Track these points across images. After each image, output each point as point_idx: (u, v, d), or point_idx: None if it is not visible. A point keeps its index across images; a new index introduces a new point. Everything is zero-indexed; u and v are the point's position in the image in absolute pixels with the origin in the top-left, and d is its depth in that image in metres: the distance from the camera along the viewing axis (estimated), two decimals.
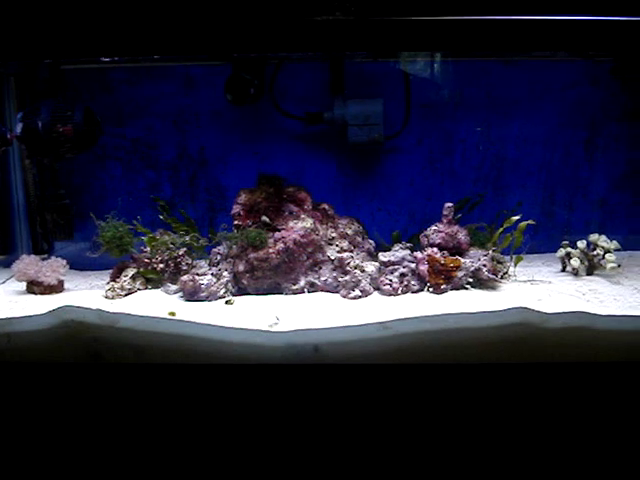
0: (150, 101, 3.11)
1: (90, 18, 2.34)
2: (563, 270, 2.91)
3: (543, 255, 3.10)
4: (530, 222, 2.70)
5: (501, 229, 2.72)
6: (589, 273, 2.83)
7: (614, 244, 2.80)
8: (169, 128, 3.14)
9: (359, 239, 2.81)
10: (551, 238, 3.06)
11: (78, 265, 2.98)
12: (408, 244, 2.73)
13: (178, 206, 3.03)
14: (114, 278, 2.73)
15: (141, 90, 3.11)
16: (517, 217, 2.69)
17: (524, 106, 3.13)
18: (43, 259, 2.83)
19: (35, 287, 2.73)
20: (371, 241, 2.86)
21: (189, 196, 3.17)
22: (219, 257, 2.74)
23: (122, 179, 3.17)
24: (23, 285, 2.79)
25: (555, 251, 2.93)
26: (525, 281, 2.71)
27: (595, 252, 2.81)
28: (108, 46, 2.45)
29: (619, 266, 2.76)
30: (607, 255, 2.77)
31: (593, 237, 2.84)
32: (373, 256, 2.78)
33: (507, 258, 2.76)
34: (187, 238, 2.75)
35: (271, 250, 2.60)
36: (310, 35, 2.35)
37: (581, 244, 2.83)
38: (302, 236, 2.61)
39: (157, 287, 2.73)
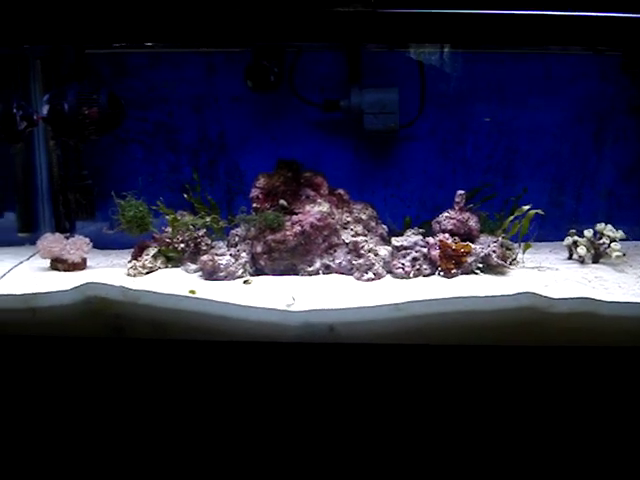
0: (172, 86, 3.16)
1: (115, 3, 2.42)
2: (570, 258, 2.96)
3: (551, 243, 3.15)
4: (538, 212, 2.75)
5: (511, 217, 2.78)
6: (595, 261, 2.88)
7: (620, 233, 2.86)
8: (190, 113, 3.19)
9: (373, 224, 2.87)
10: (559, 227, 3.09)
11: (99, 244, 3.03)
12: (420, 230, 2.80)
13: (198, 189, 3.08)
14: (136, 257, 2.79)
15: (164, 75, 3.16)
16: (527, 206, 2.74)
17: (535, 98, 3.17)
18: (66, 238, 2.89)
19: (59, 264, 2.81)
20: (384, 226, 2.92)
21: (208, 179, 3.23)
22: (237, 239, 2.81)
23: (143, 161, 3.23)
24: (47, 262, 2.85)
25: (562, 240, 2.98)
26: (533, 267, 2.77)
27: (601, 241, 2.86)
28: (131, 32, 2.52)
29: (624, 255, 2.81)
30: (613, 244, 2.82)
31: (600, 226, 2.89)
32: (386, 241, 2.83)
33: (516, 245, 2.81)
34: (208, 219, 2.82)
35: (288, 232, 2.66)
36: (329, 26, 2.41)
37: (588, 233, 2.88)
38: (318, 219, 2.68)
39: (177, 266, 2.80)
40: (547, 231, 3.08)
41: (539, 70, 3.15)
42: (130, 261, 2.79)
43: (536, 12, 2.42)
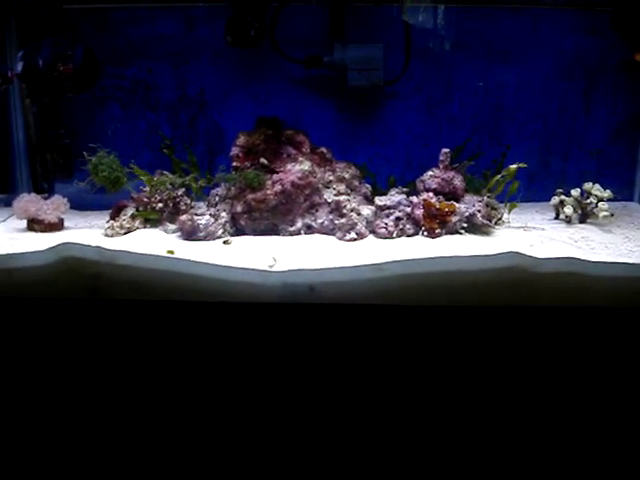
0: (150, 42, 3.10)
1: None
2: (556, 218, 2.93)
3: (537, 204, 3.11)
4: (521, 165, 2.69)
5: (497, 177, 2.73)
6: (582, 221, 2.86)
7: (608, 193, 2.82)
8: (169, 69, 3.14)
9: (356, 183, 2.82)
10: (546, 187, 3.05)
11: (78, 205, 2.99)
12: (404, 189, 2.76)
13: (177, 148, 3.01)
14: (113, 217, 2.75)
15: (141, 31, 3.09)
16: (515, 166, 2.69)
17: (523, 55, 3.12)
18: (43, 198, 2.85)
19: (36, 225, 2.76)
20: (368, 185, 2.86)
21: (188, 138, 3.18)
22: (217, 198, 2.77)
23: (121, 120, 3.17)
24: (23, 223, 2.80)
25: (550, 200, 2.95)
26: (518, 227, 2.74)
27: (589, 200, 2.83)
28: None
29: (612, 215, 2.78)
30: (600, 204, 2.79)
31: (587, 186, 2.85)
32: (369, 200, 2.79)
33: (502, 205, 2.77)
34: (187, 179, 2.77)
35: (269, 192, 2.62)
36: None
37: (575, 192, 2.84)
38: (300, 178, 2.63)
39: (156, 227, 2.75)
40: (534, 191, 3.07)
41: (527, 25, 3.09)
42: (108, 221, 2.74)
43: None
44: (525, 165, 2.71)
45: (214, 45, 3.08)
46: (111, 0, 2.94)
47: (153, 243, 2.56)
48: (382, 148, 3.22)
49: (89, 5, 3.02)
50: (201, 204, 2.80)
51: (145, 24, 3.09)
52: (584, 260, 2.13)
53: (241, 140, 2.73)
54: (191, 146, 3.07)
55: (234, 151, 2.73)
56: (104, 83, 3.06)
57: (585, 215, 2.85)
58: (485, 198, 2.70)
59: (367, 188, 2.85)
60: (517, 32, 3.10)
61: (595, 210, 2.81)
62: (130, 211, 2.75)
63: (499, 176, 2.73)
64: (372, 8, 3.06)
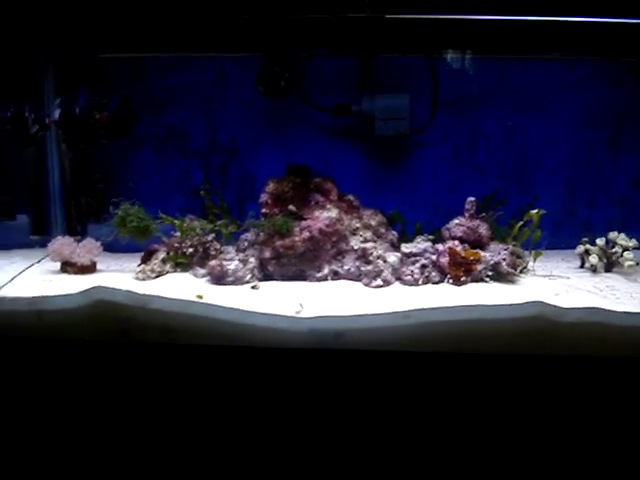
0: (184, 91, 3.18)
1: (128, 10, 2.45)
2: (582, 266, 2.92)
3: (563, 251, 3.11)
4: (541, 211, 2.69)
5: (520, 222, 2.74)
6: (607, 270, 2.84)
7: (633, 242, 2.81)
8: (202, 118, 3.20)
9: (382, 230, 2.84)
10: (572, 235, 3.04)
11: (111, 248, 3.02)
12: (430, 236, 2.77)
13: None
14: (145, 261, 2.79)
15: (176, 80, 3.17)
16: (535, 210, 2.70)
17: (548, 104, 3.16)
18: (78, 241, 2.88)
19: (69, 267, 2.80)
20: (394, 232, 2.89)
21: (219, 184, 3.23)
22: (246, 244, 2.80)
23: (154, 166, 3.24)
24: (57, 265, 2.85)
25: (575, 248, 2.93)
26: (543, 276, 2.73)
27: (614, 250, 2.82)
28: (144, 40, 2.62)
29: (637, 264, 2.77)
30: (625, 253, 2.78)
31: (612, 235, 2.85)
32: (395, 247, 2.81)
33: (527, 253, 2.77)
34: (217, 224, 2.81)
35: (297, 238, 2.65)
36: (341, 32, 2.46)
37: (600, 241, 2.84)
38: (327, 225, 2.66)
39: (186, 271, 2.78)
40: (559, 239, 3.08)
41: (553, 75, 3.13)
42: (139, 265, 2.78)
43: (549, 18, 2.44)
44: (544, 212, 2.71)
45: (245, 95, 3.14)
46: (146, 49, 3.01)
47: (183, 287, 2.58)
48: (409, 195, 3.25)
49: (124, 54, 3.10)
50: (230, 249, 2.83)
51: (179, 74, 3.17)
52: (609, 310, 2.12)
53: (270, 187, 2.77)
54: (222, 192, 3.11)
55: (263, 198, 2.77)
56: (139, 130, 3.10)
57: (610, 264, 2.85)
58: (510, 246, 2.71)
59: (393, 235, 2.88)
60: (543, 82, 3.14)
61: (620, 259, 2.80)
62: (161, 255, 2.79)
63: (522, 222, 2.75)
64: (399, 58, 3.11)
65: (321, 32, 2.45)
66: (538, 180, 3.23)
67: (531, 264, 2.76)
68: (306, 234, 2.65)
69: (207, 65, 3.17)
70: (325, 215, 2.69)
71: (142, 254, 2.86)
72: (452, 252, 2.63)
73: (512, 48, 2.74)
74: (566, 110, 3.17)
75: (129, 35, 2.64)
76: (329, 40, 2.51)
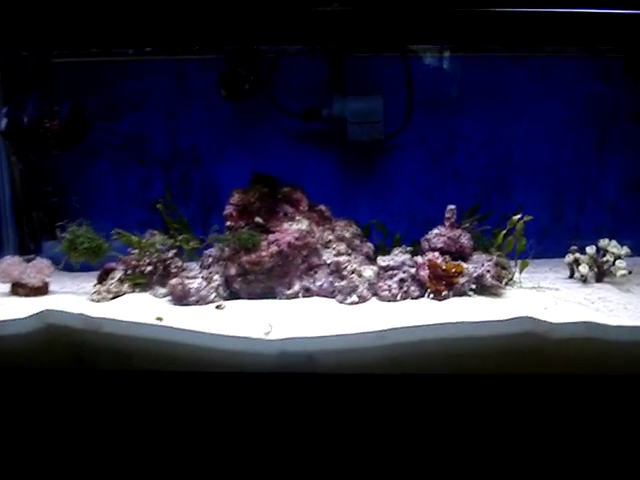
0: (142, 96, 3.03)
1: (80, 7, 2.28)
2: (571, 277, 2.80)
3: (550, 260, 2.99)
4: (527, 218, 2.56)
5: (504, 231, 2.61)
6: (598, 280, 2.73)
7: (625, 250, 2.70)
8: (161, 124, 3.05)
9: (357, 242, 2.70)
10: (559, 242, 2.96)
11: (68, 266, 2.80)
12: (408, 248, 2.63)
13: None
14: (101, 281, 2.63)
15: (132, 85, 3.02)
16: (518, 216, 2.57)
17: (532, 103, 3.04)
18: (29, 259, 2.74)
19: (19, 289, 2.64)
20: (370, 244, 2.75)
21: (181, 195, 3.09)
22: (210, 260, 2.64)
23: (112, 176, 3.08)
24: (7, 287, 2.69)
25: (563, 256, 2.82)
26: (531, 288, 2.61)
27: (605, 258, 2.71)
28: (98, 37, 2.41)
29: (630, 273, 2.66)
30: (617, 262, 2.67)
31: (603, 242, 2.74)
32: (372, 260, 2.67)
33: (512, 263, 2.65)
34: (179, 239, 2.67)
35: (264, 253, 2.50)
36: (307, 27, 2.29)
37: (590, 250, 2.72)
38: (297, 238, 2.52)
39: (145, 290, 2.63)
40: (546, 247, 2.96)
41: (536, 73, 3.01)
42: (95, 285, 2.62)
43: (532, 9, 2.28)
44: (530, 218, 2.57)
45: (208, 99, 3.00)
46: (101, 54, 2.87)
47: (142, 309, 2.43)
48: (384, 203, 3.12)
49: (78, 59, 2.96)
50: (194, 265, 2.68)
51: (136, 78, 3.02)
52: (602, 324, 2.01)
53: (235, 198, 2.62)
54: (185, 203, 3.02)
55: (228, 210, 2.63)
56: (94, 138, 2.96)
57: (601, 274, 2.73)
58: (494, 257, 2.57)
59: (369, 247, 2.74)
60: (526, 80, 3.02)
61: (612, 268, 2.68)
62: (118, 274, 2.62)
63: (505, 230, 2.62)
64: (372, 58, 2.99)
65: (286, 27, 2.30)
66: (522, 185, 3.11)
67: (517, 275, 2.64)
68: (274, 248, 2.51)
69: (166, 67, 3.02)
70: (295, 227, 2.55)
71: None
72: (432, 265, 2.49)
73: (494, 42, 2.59)
74: (552, 109, 3.05)
75: (82, 36, 2.43)
76: (295, 36, 2.38)
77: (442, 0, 2.23)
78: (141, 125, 3.06)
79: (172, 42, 2.58)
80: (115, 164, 3.09)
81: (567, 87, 3.02)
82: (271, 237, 2.53)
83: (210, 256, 2.65)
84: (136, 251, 2.65)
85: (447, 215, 2.61)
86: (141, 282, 2.62)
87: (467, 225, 2.65)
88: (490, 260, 2.55)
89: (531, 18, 2.25)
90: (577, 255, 2.76)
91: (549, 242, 2.99)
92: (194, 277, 2.52)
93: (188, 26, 2.29)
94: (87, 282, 2.79)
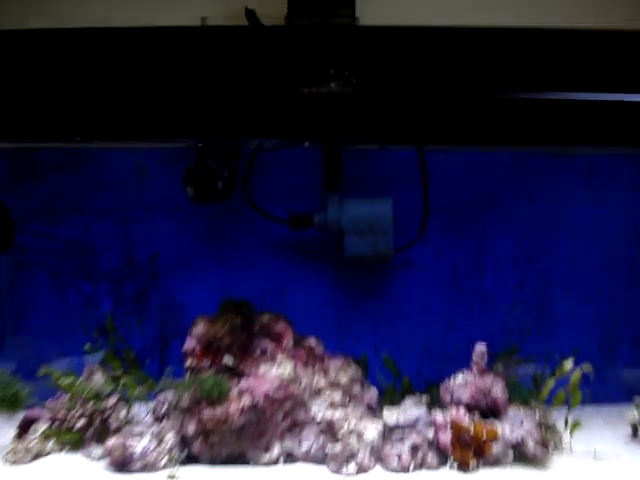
0: (90, 193, 2.63)
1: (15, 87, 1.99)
2: (634, 435, 2.28)
3: (601, 407, 2.49)
4: (587, 369, 2.11)
5: (551, 380, 2.12)
6: None
7: None
8: (112, 228, 2.63)
9: (357, 388, 2.20)
10: (612, 384, 2.55)
11: None
12: (424, 396, 2.14)
13: (120, 330, 2.44)
14: (20, 435, 2.12)
15: (78, 179, 2.62)
16: (570, 363, 2.11)
17: (576, 212, 2.65)
18: None
19: None
20: (373, 388, 2.25)
21: (135, 316, 2.62)
22: (165, 408, 2.15)
23: (50, 291, 2.64)
24: None
25: (617, 401, 2.40)
26: (584, 453, 2.09)
27: None
28: (38, 123, 2.04)
29: None
30: None
31: None
32: (375, 411, 2.18)
33: (555, 412, 2.13)
34: (122, 383, 2.16)
35: (233, 406, 2.02)
36: (296, 113, 1.94)
37: None
38: (277, 387, 2.06)
39: (77, 450, 2.11)
40: (596, 389, 2.36)
41: (579, 173, 2.64)
42: (13, 440, 2.10)
43: (577, 97, 1.97)
44: (589, 368, 2.12)
45: (171, 199, 2.63)
46: (38, 138, 2.41)
47: (68, 477, 1.96)
48: (391, 332, 2.68)
49: (10, 144, 2.58)
50: (143, 414, 2.18)
51: (83, 171, 2.64)
52: None
53: (199, 329, 2.15)
54: (138, 327, 2.59)
55: (189, 344, 2.14)
56: (28, 245, 2.60)
57: None
58: (537, 413, 2.06)
59: (372, 394, 2.24)
60: (568, 183, 2.65)
61: None
62: (42, 427, 2.12)
63: (552, 379, 2.13)
64: (377, 152, 2.60)
65: (271, 114, 1.94)
66: (564, 311, 2.65)
67: (566, 436, 2.11)
68: (247, 400, 2.03)
69: (121, 158, 2.63)
70: (275, 372, 2.11)
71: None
72: (457, 427, 2.02)
73: (530, 135, 2.16)
74: (601, 217, 2.64)
75: (12, 119, 2.04)
76: (281, 125, 1.98)
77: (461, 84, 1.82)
78: (86, 229, 2.65)
79: (128, 130, 2.14)
80: (54, 276, 2.65)
81: (617, 191, 2.65)
82: (243, 384, 2.08)
83: (165, 402, 2.17)
84: (68, 396, 2.13)
85: (475, 359, 2.13)
86: (70, 439, 2.08)
87: (501, 370, 2.17)
88: (531, 418, 2.04)
89: (571, 107, 1.94)
90: None
91: (599, 383, 2.43)
92: (140, 434, 2.03)
93: (148, 111, 1.95)
94: (6, 430, 2.21)
